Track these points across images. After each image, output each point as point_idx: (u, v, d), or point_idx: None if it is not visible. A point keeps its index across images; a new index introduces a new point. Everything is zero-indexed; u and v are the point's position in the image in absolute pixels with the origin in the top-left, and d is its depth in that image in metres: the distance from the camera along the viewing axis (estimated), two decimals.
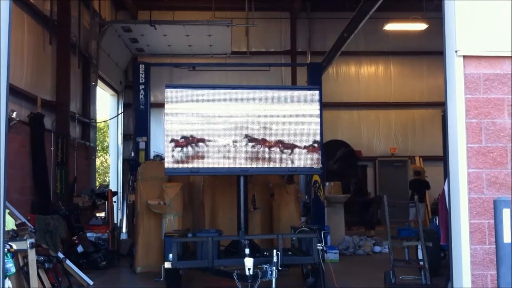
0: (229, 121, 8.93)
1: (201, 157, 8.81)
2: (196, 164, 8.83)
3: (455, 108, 5.39)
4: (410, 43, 20.33)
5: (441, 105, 8.13)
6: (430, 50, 19.59)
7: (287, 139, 8.99)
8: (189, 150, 8.79)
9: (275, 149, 8.96)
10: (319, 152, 9.16)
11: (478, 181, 5.28)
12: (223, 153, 8.86)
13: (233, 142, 8.88)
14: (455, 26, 5.43)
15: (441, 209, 7.53)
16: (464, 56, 5.42)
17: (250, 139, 8.94)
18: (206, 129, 8.85)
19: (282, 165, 8.98)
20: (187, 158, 8.80)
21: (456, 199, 5.33)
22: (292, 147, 9.00)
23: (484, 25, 5.44)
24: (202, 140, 8.82)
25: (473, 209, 5.24)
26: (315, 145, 9.08)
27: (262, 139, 8.95)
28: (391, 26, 18.38)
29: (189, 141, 8.80)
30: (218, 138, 8.87)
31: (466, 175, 5.29)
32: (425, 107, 20.74)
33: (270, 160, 8.95)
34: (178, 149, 8.78)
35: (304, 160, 9.03)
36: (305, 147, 9.03)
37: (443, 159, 9.81)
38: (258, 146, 8.92)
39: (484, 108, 5.38)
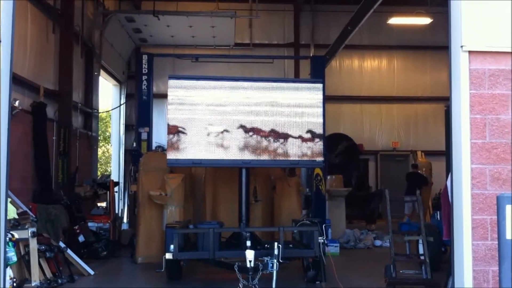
0: (232, 112, 8.90)
1: (202, 147, 8.79)
2: (197, 154, 8.82)
3: (460, 103, 5.36)
4: (414, 37, 20.27)
5: (444, 100, 8.08)
6: (434, 45, 19.58)
7: (291, 132, 8.97)
8: (191, 140, 8.77)
9: (277, 141, 8.94)
10: (322, 145, 9.15)
11: (481, 177, 5.26)
12: (226, 144, 8.84)
13: (236, 133, 8.86)
14: (460, 21, 5.39)
15: (444, 204, 7.51)
16: (470, 51, 5.38)
17: (254, 131, 8.91)
18: (209, 119, 8.83)
19: (284, 157, 8.97)
20: (189, 148, 8.78)
21: (459, 195, 5.31)
22: (295, 139, 8.98)
23: (490, 20, 5.40)
24: (203, 130, 8.80)
25: (475, 204, 5.22)
26: (317, 138, 9.06)
27: (267, 131, 8.92)
28: (395, 20, 18.31)
29: (190, 131, 8.77)
30: (222, 128, 8.85)
31: (470, 170, 5.27)
32: (428, 102, 20.71)
33: (272, 152, 8.94)
34: (180, 139, 8.76)
35: (306, 153, 9.02)
36: (307, 140, 9.01)
37: (445, 154, 9.81)
38: (260, 138, 8.90)
39: (488, 104, 5.35)
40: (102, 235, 11.98)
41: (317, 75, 14.05)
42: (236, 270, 7.49)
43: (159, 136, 16.56)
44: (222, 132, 8.84)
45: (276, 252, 7.26)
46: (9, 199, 6.29)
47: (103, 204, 13.96)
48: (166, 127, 9.07)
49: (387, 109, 21.07)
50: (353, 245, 13.42)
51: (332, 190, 14.86)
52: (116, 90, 19.63)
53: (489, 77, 5.37)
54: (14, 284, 7.13)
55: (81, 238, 11.24)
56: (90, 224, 12.04)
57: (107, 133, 28.18)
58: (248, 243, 7.89)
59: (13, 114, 9.63)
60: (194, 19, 16.06)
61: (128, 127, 19.58)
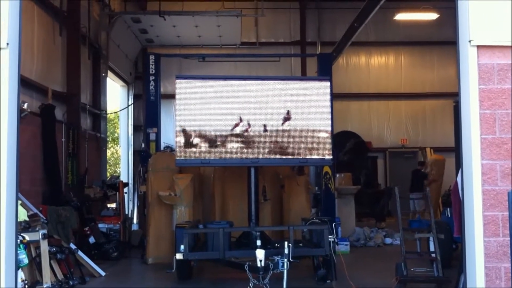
0: (239, 111, 8.89)
1: (211, 147, 8.79)
2: (206, 155, 8.82)
3: (469, 99, 5.33)
4: (421, 33, 20.17)
5: (452, 96, 8.04)
6: (441, 40, 19.47)
7: (299, 130, 8.95)
8: (199, 140, 8.77)
9: (286, 139, 8.92)
10: (330, 143, 9.12)
11: (491, 173, 5.23)
12: (234, 144, 8.83)
13: (244, 132, 8.85)
14: (468, 16, 5.36)
15: (454, 201, 7.47)
16: (478, 46, 5.34)
17: (261, 129, 8.90)
18: (216, 118, 8.82)
19: (293, 156, 8.95)
20: (197, 148, 8.78)
21: (469, 191, 5.28)
22: (303, 138, 8.96)
23: (498, 14, 5.36)
24: (211, 130, 8.80)
25: (486, 201, 5.19)
26: (326, 136, 9.03)
27: (275, 129, 8.91)
28: (402, 16, 18.23)
29: (199, 131, 8.77)
30: (229, 127, 8.84)
31: (480, 166, 5.23)
32: (436, 98, 20.60)
33: (281, 151, 8.92)
34: (189, 139, 8.76)
35: (315, 151, 8.99)
36: (316, 138, 8.98)
37: (455, 150, 9.75)
38: (269, 137, 8.88)
39: (498, 99, 5.32)
40: (112, 236, 12.00)
41: (324, 72, 14.00)
42: (247, 269, 7.49)
43: (168, 137, 16.55)
44: (231, 130, 8.83)
45: (286, 251, 7.23)
46: (19, 202, 6.32)
47: (113, 205, 13.99)
48: (174, 127, 9.07)
49: (395, 106, 20.98)
50: (363, 243, 13.38)
51: (341, 188, 14.82)
52: (124, 91, 19.67)
53: (498, 72, 5.33)
54: (26, 286, 7.16)
55: (91, 240, 11.28)
56: (100, 225, 12.06)
57: (116, 134, 28.25)
58: (258, 242, 7.89)
59: (22, 116, 9.67)
60: (200, 19, 16.06)
61: (136, 128, 19.62)
